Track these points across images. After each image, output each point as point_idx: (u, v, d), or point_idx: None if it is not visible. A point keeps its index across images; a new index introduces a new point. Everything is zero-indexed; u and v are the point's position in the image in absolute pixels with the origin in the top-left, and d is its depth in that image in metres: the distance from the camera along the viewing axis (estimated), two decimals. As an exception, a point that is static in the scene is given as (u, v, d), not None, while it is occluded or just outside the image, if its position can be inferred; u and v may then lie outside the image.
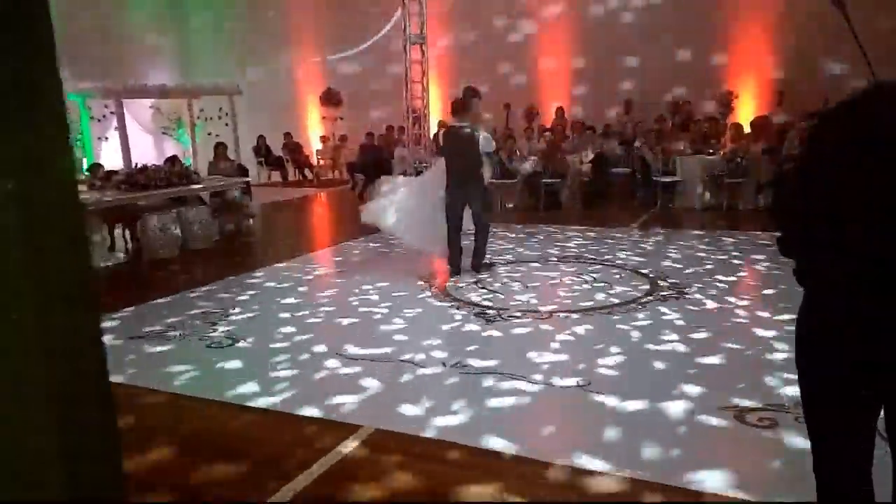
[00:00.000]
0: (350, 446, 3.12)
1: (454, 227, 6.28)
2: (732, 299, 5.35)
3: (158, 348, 4.59)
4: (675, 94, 12.67)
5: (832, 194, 1.63)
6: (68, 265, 1.31)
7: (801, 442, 1.94)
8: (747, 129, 10.33)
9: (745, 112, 12.12)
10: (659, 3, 12.54)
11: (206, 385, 3.95)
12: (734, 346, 4.26)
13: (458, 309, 5.24)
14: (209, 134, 13.37)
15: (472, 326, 4.80)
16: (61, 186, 1.30)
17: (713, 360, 4.02)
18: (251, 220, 9.49)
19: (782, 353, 3.98)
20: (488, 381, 3.80)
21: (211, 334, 4.83)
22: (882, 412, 1.72)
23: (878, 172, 1.53)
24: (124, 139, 9.57)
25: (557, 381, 3.75)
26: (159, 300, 5.77)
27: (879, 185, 1.53)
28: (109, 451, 1.44)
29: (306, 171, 16.21)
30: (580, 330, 4.65)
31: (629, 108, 12.77)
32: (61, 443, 1.30)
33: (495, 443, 3.09)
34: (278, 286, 6.14)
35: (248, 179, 9.82)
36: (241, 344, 4.61)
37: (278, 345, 4.55)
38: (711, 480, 2.72)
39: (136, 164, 8.61)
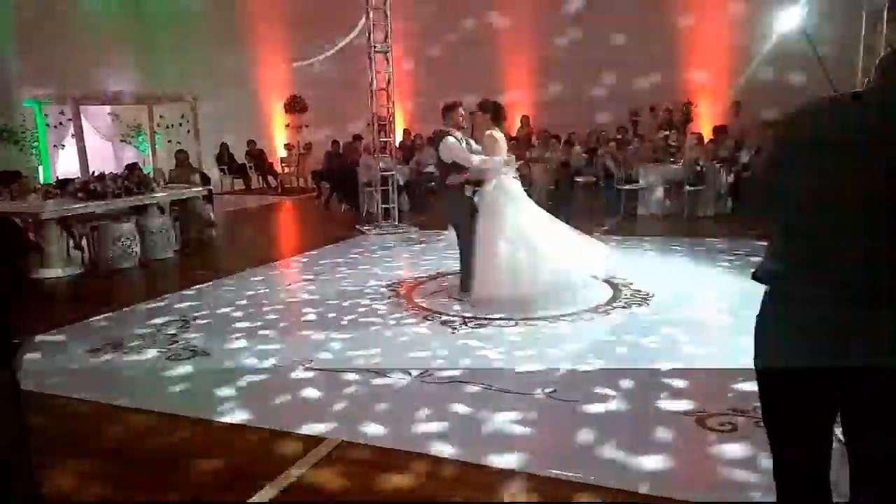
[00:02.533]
0: (315, 458, 3.07)
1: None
2: (694, 304, 5.44)
3: (116, 360, 4.46)
4: (639, 103, 12.91)
5: (789, 202, 1.66)
6: None
7: (762, 447, 1.97)
8: (707, 138, 10.57)
9: (704, 121, 12.41)
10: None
11: (168, 398, 3.85)
12: (696, 349, 4.33)
13: (424, 318, 5.22)
14: (170, 142, 13.14)
15: (439, 336, 4.78)
16: None
17: (675, 364, 4.07)
18: (213, 230, 9.32)
19: (743, 356, 4.03)
20: (455, 391, 3.79)
21: (170, 346, 4.72)
22: (839, 416, 1.75)
23: (832, 178, 1.56)
24: (81, 147, 9.36)
25: (525, 389, 3.75)
26: (118, 312, 5.62)
27: (834, 193, 1.56)
28: (22, 462, 1.41)
29: (270, 179, 16.04)
30: (546, 336, 4.67)
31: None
32: None
33: (464, 452, 3.07)
34: (240, 296, 6.03)
35: (209, 188, 9.65)
36: (201, 355, 4.51)
37: (240, 356, 4.47)
38: (672, 484, 2.75)
39: (94, 171, 8.39)
